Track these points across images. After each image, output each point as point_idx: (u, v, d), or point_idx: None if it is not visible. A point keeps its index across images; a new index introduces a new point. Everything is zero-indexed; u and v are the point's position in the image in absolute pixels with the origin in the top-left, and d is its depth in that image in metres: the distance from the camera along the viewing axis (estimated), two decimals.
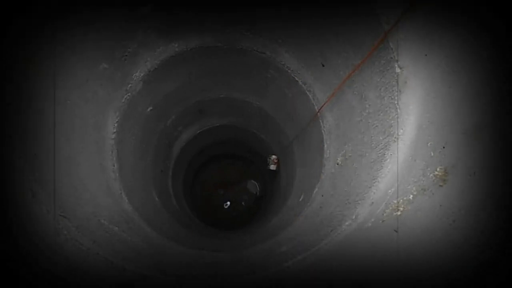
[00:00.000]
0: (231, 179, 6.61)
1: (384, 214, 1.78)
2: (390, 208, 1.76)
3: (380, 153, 2.06)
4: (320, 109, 2.88)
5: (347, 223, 2.03)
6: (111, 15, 2.19)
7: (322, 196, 2.72)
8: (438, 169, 1.54)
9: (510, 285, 1.03)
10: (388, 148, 1.98)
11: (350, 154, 2.49)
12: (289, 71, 2.96)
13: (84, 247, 1.76)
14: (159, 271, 1.92)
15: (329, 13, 2.22)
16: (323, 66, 2.52)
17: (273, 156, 4.99)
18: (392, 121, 1.97)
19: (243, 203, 6.39)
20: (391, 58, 1.90)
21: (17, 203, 1.57)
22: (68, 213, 1.80)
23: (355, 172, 2.32)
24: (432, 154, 1.62)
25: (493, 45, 1.34)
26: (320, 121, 2.97)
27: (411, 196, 1.66)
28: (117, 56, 2.41)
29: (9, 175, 1.56)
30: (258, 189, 6.20)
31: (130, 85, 2.67)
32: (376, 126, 2.14)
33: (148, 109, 3.18)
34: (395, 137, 1.93)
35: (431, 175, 1.57)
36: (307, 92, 2.98)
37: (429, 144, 1.66)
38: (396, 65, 1.89)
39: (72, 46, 2.01)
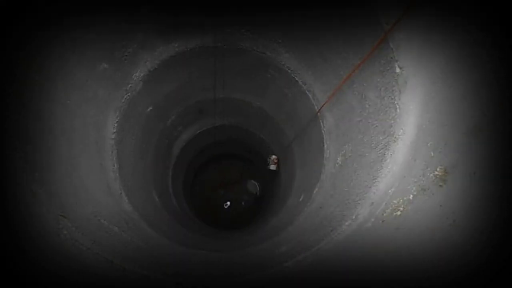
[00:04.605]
0: (231, 179, 6.61)
1: (384, 214, 1.78)
2: (390, 208, 1.76)
3: (380, 153, 2.06)
4: (320, 109, 2.88)
5: (347, 223, 2.03)
6: (111, 16, 2.19)
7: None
8: (438, 169, 1.54)
9: (510, 284, 1.03)
10: (388, 148, 1.98)
11: (350, 154, 2.49)
12: (289, 71, 2.96)
13: (84, 247, 1.76)
14: (159, 271, 1.92)
15: (329, 13, 2.22)
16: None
17: (273, 156, 4.99)
18: (392, 121, 1.97)
19: (243, 203, 6.39)
20: (391, 58, 1.90)
21: (17, 203, 1.57)
22: (68, 213, 1.80)
23: (355, 172, 2.32)
24: (432, 154, 1.62)
25: (492, 45, 1.34)
26: (320, 121, 2.97)
27: (411, 196, 1.66)
28: (117, 56, 2.41)
29: (9, 175, 1.56)
30: (258, 189, 6.20)
31: (130, 85, 2.67)
32: (376, 126, 2.14)
33: (148, 109, 3.18)
34: (395, 137, 1.93)
35: (431, 175, 1.57)
36: (307, 92, 2.98)
37: (429, 144, 1.66)
38: (396, 65, 1.89)
39: (72, 47, 2.01)
